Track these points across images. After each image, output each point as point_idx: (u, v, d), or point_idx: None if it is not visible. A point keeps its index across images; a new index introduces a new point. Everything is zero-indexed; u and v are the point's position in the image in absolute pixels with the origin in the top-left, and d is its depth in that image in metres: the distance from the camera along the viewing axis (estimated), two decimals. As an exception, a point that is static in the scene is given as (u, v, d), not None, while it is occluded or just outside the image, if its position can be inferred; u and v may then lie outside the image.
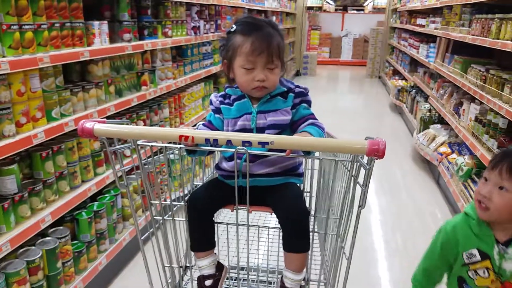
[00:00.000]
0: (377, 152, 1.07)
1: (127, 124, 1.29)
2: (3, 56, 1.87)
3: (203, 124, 1.60)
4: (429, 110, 5.75)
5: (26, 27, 1.96)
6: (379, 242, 3.43)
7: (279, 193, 1.46)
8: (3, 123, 1.87)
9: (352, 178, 1.27)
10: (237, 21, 1.56)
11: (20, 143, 1.93)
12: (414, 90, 7.07)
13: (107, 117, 2.73)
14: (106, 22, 2.62)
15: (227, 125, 1.54)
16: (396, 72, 9.83)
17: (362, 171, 1.23)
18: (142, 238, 1.46)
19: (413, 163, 5.34)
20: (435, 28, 5.76)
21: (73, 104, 2.37)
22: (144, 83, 3.13)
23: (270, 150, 1.28)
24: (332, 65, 15.26)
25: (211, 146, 1.11)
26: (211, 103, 1.62)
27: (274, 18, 8.16)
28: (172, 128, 1.16)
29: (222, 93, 1.63)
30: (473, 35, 3.96)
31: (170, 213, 1.45)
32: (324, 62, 15.09)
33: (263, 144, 1.08)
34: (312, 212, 1.43)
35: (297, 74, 12.33)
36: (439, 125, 5.29)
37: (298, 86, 1.58)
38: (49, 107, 2.17)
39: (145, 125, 3.15)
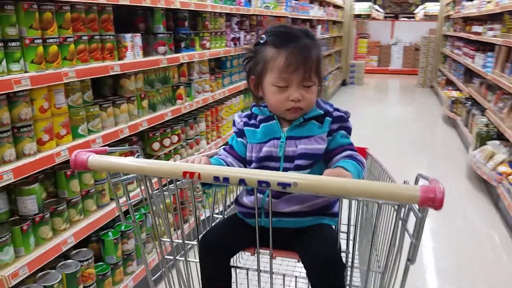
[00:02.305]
0: (432, 202, 0.84)
1: (137, 151, 1.14)
2: (25, 72, 1.80)
3: (224, 149, 1.43)
4: (487, 125, 5.30)
5: (51, 40, 1.88)
6: (430, 270, 3.12)
7: (308, 237, 1.24)
8: (23, 142, 1.79)
9: (400, 224, 1.04)
10: (267, 31, 1.37)
11: (41, 162, 1.85)
12: (469, 102, 6.60)
13: (139, 133, 2.63)
14: (139, 34, 2.53)
15: (251, 151, 1.35)
16: (449, 82, 9.30)
17: (412, 216, 1.01)
18: (153, 279, 1.30)
19: (468, 182, 4.93)
20: (494, 36, 5.34)
21: (103, 120, 2.28)
22: (180, 97, 3.02)
23: None
24: (381, 74, 14.76)
25: (222, 184, 0.93)
26: (234, 124, 1.44)
27: (319, 27, 7.95)
28: (176, 162, 0.97)
29: (248, 112, 1.44)
30: (539, 43, 3.58)
31: (182, 252, 1.28)
32: (372, 71, 14.64)
33: (283, 185, 0.89)
34: (350, 263, 1.20)
35: (343, 83, 11.99)
36: (497, 142, 4.85)
37: (338, 110, 1.36)
38: (75, 124, 2.08)
39: (179, 140, 3.04)
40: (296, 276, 1.29)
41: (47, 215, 1.94)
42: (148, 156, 2.80)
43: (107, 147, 1.10)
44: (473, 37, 6.50)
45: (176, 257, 1.29)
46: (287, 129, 1.32)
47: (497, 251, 3.42)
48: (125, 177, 1.10)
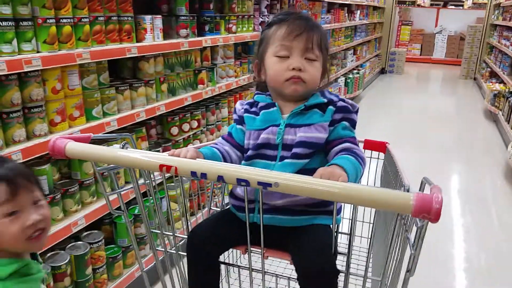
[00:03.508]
0: (427, 214, 0.74)
1: (122, 140, 1.09)
2: (37, 52, 1.78)
3: (222, 137, 1.37)
4: (530, 121, 5.00)
5: (64, 20, 1.86)
6: (461, 269, 2.99)
7: (301, 239, 1.16)
8: (34, 122, 1.78)
9: (401, 232, 0.95)
10: (274, 15, 1.34)
11: (51, 143, 1.84)
12: (513, 96, 6.24)
13: (157, 117, 2.61)
14: (160, 16, 2.48)
15: (249, 137, 1.29)
16: (493, 75, 8.83)
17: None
18: (145, 270, 1.27)
19: (505, 180, 4.67)
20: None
21: (119, 103, 2.26)
22: (201, 82, 2.97)
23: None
24: (423, 63, 14.23)
25: (202, 178, 0.87)
26: (234, 111, 1.38)
27: (358, 13, 7.69)
28: (154, 154, 0.91)
29: (250, 100, 1.38)
30: None
31: (175, 247, 1.23)
32: (413, 60, 14.13)
33: (264, 185, 0.82)
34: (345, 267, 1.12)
35: (382, 71, 11.63)
36: (540, 139, 4.57)
37: (343, 100, 1.28)
38: (90, 106, 2.07)
39: (199, 125, 3.00)
40: (289, 277, 1.22)
41: (58, 196, 1.95)
42: (166, 140, 2.78)
43: (91, 133, 1.06)
44: (522, 27, 6.10)
45: (168, 250, 1.25)
46: (287, 116, 1.26)
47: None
48: (111, 166, 1.05)
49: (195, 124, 2.96)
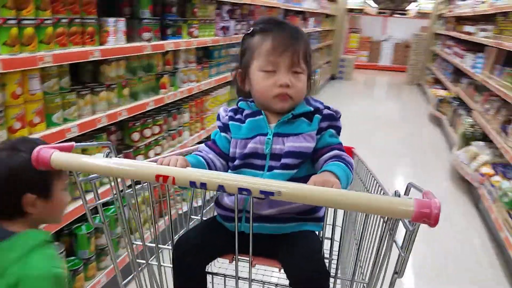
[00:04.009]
0: (427, 219, 0.78)
1: (108, 148, 1.06)
2: (-4, 54, 1.69)
3: (206, 144, 1.34)
4: (472, 125, 5.31)
5: (26, 22, 1.77)
6: (407, 269, 3.10)
7: (291, 246, 1.17)
8: (-8, 129, 1.69)
9: (389, 235, 0.98)
10: (254, 23, 1.32)
11: (11, 151, 1.74)
12: (456, 102, 6.61)
13: (118, 122, 2.53)
14: (123, 19, 2.42)
15: (235, 146, 1.27)
16: (437, 81, 9.31)
17: (401, 228, 0.96)
18: (124, 282, 1.23)
19: (450, 182, 4.94)
20: (485, 37, 5.32)
21: (79, 108, 2.18)
22: (163, 86, 2.92)
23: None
24: (370, 70, 14.75)
25: (201, 188, 0.86)
26: (218, 118, 1.35)
27: (312, 20, 7.85)
28: (149, 163, 0.88)
29: (234, 107, 1.35)
30: (530, 48, 3.56)
31: (154, 256, 1.20)
32: (361, 66, 14.61)
33: (266, 194, 0.82)
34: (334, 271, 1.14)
35: (332, 78, 11.93)
36: (482, 143, 4.86)
37: (328, 108, 1.29)
38: (50, 111, 1.98)
39: (161, 131, 2.95)
40: (276, 284, 1.23)
41: (17, 207, 1.84)
42: (126, 146, 2.70)
43: (73, 142, 1.02)
44: (465, 36, 6.48)
45: (149, 262, 1.21)
46: (275, 126, 1.25)
47: (475, 251, 3.43)
48: (94, 175, 1.01)
49: (157, 129, 2.90)
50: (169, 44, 2.87)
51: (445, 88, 8.19)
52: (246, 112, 1.29)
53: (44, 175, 1.17)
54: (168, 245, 1.29)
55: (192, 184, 0.84)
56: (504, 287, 2.98)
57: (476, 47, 6.00)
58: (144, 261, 1.23)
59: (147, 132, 2.82)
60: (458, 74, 7.22)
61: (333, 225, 1.10)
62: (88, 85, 2.26)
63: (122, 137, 2.75)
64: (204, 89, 3.54)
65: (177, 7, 3.06)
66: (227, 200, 1.25)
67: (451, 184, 4.84)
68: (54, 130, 1.97)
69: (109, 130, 2.56)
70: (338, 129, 1.29)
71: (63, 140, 2.03)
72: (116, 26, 2.35)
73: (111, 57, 2.33)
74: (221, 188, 0.83)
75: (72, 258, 2.19)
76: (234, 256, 1.09)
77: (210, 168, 1.25)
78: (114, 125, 2.60)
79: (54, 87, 1.99)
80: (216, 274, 1.24)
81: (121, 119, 2.48)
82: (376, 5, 18.22)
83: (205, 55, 3.79)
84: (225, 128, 1.31)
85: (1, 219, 1.23)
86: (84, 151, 2.01)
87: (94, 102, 2.27)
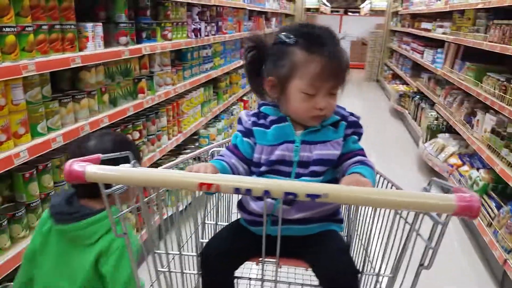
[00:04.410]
0: (470, 211, 0.81)
1: (133, 159, 1.02)
2: (-21, 64, 1.60)
3: (227, 148, 1.31)
4: (436, 118, 5.52)
5: (8, 29, 1.69)
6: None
7: (320, 245, 1.19)
8: (-22, 143, 1.60)
9: (414, 232, 1.01)
10: (288, 30, 1.24)
11: (-1, 165, 1.67)
12: (418, 96, 6.85)
13: (99, 130, 2.46)
14: (100, 24, 2.35)
15: (260, 152, 1.25)
16: (395, 77, 9.61)
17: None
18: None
19: (419, 173, 5.11)
20: (444, 33, 5.54)
21: (62, 117, 2.10)
22: (141, 91, 2.86)
23: None
24: (329, 68, 15.00)
25: (246, 194, 0.85)
26: (240, 122, 1.33)
27: (274, 20, 7.91)
28: (187, 173, 0.86)
29: (255, 111, 1.33)
30: (491, 41, 3.74)
31: (171, 264, 1.18)
32: (321, 64, 14.83)
33: (313, 197, 0.82)
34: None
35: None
36: (447, 135, 5.07)
37: (352, 114, 1.31)
38: (35, 121, 1.90)
39: (141, 136, 2.89)
40: (302, 285, 1.24)
41: (5, 223, 1.76)
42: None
43: (99, 154, 0.98)
44: (423, 33, 6.72)
45: (171, 270, 1.19)
46: (302, 133, 1.24)
47: (447, 238, 3.56)
48: (118, 186, 0.98)
49: (137, 135, 2.84)
50: (146, 47, 2.82)
51: (405, 83, 8.47)
52: (271, 118, 1.28)
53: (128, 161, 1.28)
54: (193, 253, 1.27)
55: (237, 190, 0.83)
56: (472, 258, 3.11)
57: (434, 43, 6.23)
58: (166, 270, 1.20)
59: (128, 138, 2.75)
60: (417, 69, 7.49)
61: (355, 223, 1.12)
62: (68, 93, 2.19)
63: (102, 144, 2.67)
64: (180, 92, 3.50)
65: (150, 10, 3.01)
66: (254, 206, 1.24)
67: (420, 176, 5.01)
68: (39, 140, 1.90)
69: (90, 138, 2.48)
70: (360, 136, 1.31)
71: (49, 150, 1.95)
72: (94, 31, 2.28)
73: (91, 63, 2.26)
74: (266, 193, 0.83)
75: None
76: (261, 259, 1.08)
77: (233, 173, 1.24)
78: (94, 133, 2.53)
79: (37, 96, 1.91)
80: (241, 277, 1.23)
81: (103, 126, 2.41)
82: (329, 5, 18.60)
83: (177, 57, 3.74)
84: (248, 133, 1.29)
85: (86, 198, 1.41)
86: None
87: (76, 110, 2.20)
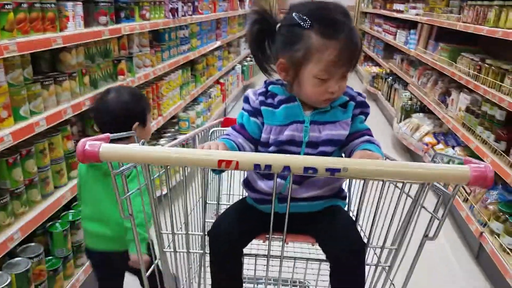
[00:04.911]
0: (484, 181, 0.84)
1: (138, 138, 1.00)
2: (-41, 44, 1.52)
3: (233, 128, 1.28)
4: (410, 98, 5.63)
5: (-13, 7, 1.60)
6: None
7: (327, 220, 1.20)
8: (-39, 127, 1.53)
9: (418, 205, 1.04)
10: (301, 11, 1.18)
11: (-17, 150, 1.60)
12: (391, 77, 6.95)
13: (82, 113, 2.39)
14: (80, 3, 2.26)
15: (269, 132, 1.22)
16: (368, 58, 9.71)
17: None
18: (147, 274, 1.18)
19: (394, 152, 5.23)
20: (417, 14, 5.62)
21: (44, 99, 2.03)
22: (121, 72, 2.79)
23: None
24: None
25: (260, 170, 0.84)
26: (247, 101, 1.29)
27: (247, 1, 7.82)
28: (207, 150, 0.85)
29: (262, 89, 1.29)
30: (465, 22, 3.82)
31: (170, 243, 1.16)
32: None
33: (332, 171, 0.82)
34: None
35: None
36: (421, 114, 5.19)
37: (360, 94, 1.29)
38: (17, 104, 1.83)
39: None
40: (307, 259, 1.25)
41: (-10, 210, 1.70)
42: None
43: (108, 133, 0.95)
44: (396, 14, 6.79)
45: (177, 250, 1.17)
46: (311, 113, 1.23)
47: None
48: (126, 166, 0.95)
49: (119, 118, 2.77)
50: (125, 27, 2.74)
51: (377, 65, 8.57)
52: (279, 97, 1.25)
53: (143, 110, 1.89)
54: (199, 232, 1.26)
55: (257, 166, 0.82)
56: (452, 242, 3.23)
57: (407, 24, 6.32)
58: (172, 250, 1.19)
59: (109, 122, 2.69)
60: (390, 50, 7.59)
61: (361, 198, 1.13)
62: (50, 75, 2.11)
63: (83, 128, 2.60)
64: (159, 74, 3.43)
65: (127, -11, 2.92)
66: (262, 185, 1.22)
67: (395, 155, 5.12)
68: (23, 124, 1.83)
69: (70, 121, 2.42)
70: (367, 115, 1.30)
71: (33, 134, 1.89)
72: (74, 10, 2.20)
73: (72, 43, 2.18)
74: (286, 168, 0.83)
75: (50, 258, 2.06)
76: (267, 235, 1.09)
77: None
78: (74, 116, 2.46)
79: (19, 78, 1.83)
80: (248, 255, 1.23)
81: (85, 108, 2.34)
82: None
83: (155, 38, 3.66)
84: (255, 112, 1.26)
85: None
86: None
87: (58, 93, 2.13)
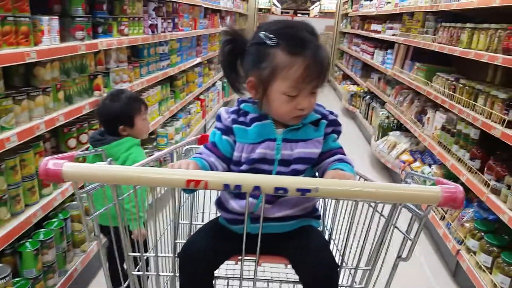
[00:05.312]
0: (454, 202, 0.84)
1: (108, 158, 0.97)
2: None
3: (206, 147, 1.27)
4: (387, 117, 5.71)
5: (-43, 20, 1.56)
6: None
7: (300, 241, 1.18)
8: None
9: (391, 225, 1.03)
10: (268, 29, 1.19)
11: (-51, 166, 1.53)
12: (368, 96, 7.06)
13: (56, 129, 2.34)
14: (56, 17, 2.23)
15: (241, 151, 1.22)
16: (346, 77, 9.85)
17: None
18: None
19: (372, 170, 5.27)
20: (394, 35, 5.74)
21: (16, 115, 1.98)
22: (97, 88, 2.75)
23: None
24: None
25: (229, 190, 0.82)
26: (219, 119, 1.29)
27: (228, 18, 7.88)
28: (174, 170, 0.83)
29: (234, 108, 1.29)
30: (440, 43, 3.91)
31: (139, 265, 1.13)
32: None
33: (303, 191, 0.81)
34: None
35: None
36: (398, 132, 5.26)
37: (332, 112, 1.31)
38: (-13, 119, 1.77)
39: (99, 135, 2.77)
40: (280, 281, 1.23)
41: (-45, 229, 1.63)
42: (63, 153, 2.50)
43: (74, 151, 0.91)
44: (373, 35, 6.92)
45: (146, 273, 1.14)
46: (283, 131, 1.23)
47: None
48: (91, 186, 0.92)
49: (94, 134, 2.72)
50: (102, 43, 2.71)
51: (355, 84, 8.70)
52: (251, 115, 1.25)
53: (130, 114, 2.14)
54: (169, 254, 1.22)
55: (226, 186, 0.80)
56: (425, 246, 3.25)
57: (384, 44, 6.44)
58: (140, 273, 1.15)
59: (84, 138, 2.64)
60: (367, 69, 7.72)
61: (334, 218, 1.13)
62: (22, 90, 2.06)
63: (56, 144, 2.54)
64: (137, 89, 3.39)
65: (106, 4, 2.90)
66: (234, 205, 1.21)
67: (373, 172, 5.16)
68: (-7, 140, 1.77)
69: (44, 137, 2.36)
70: (339, 134, 1.31)
71: (3, 150, 1.83)
72: (50, 24, 2.17)
73: (47, 58, 2.14)
74: (257, 188, 0.81)
75: (18, 279, 1.98)
76: (240, 257, 1.07)
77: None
78: (48, 132, 2.40)
79: (-10, 93, 1.78)
80: (220, 277, 1.20)
81: (59, 124, 2.29)
82: (279, 5, 18.79)
83: (133, 54, 3.63)
84: (227, 130, 1.26)
85: (111, 134, 2.14)
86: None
87: (30, 108, 2.08)
